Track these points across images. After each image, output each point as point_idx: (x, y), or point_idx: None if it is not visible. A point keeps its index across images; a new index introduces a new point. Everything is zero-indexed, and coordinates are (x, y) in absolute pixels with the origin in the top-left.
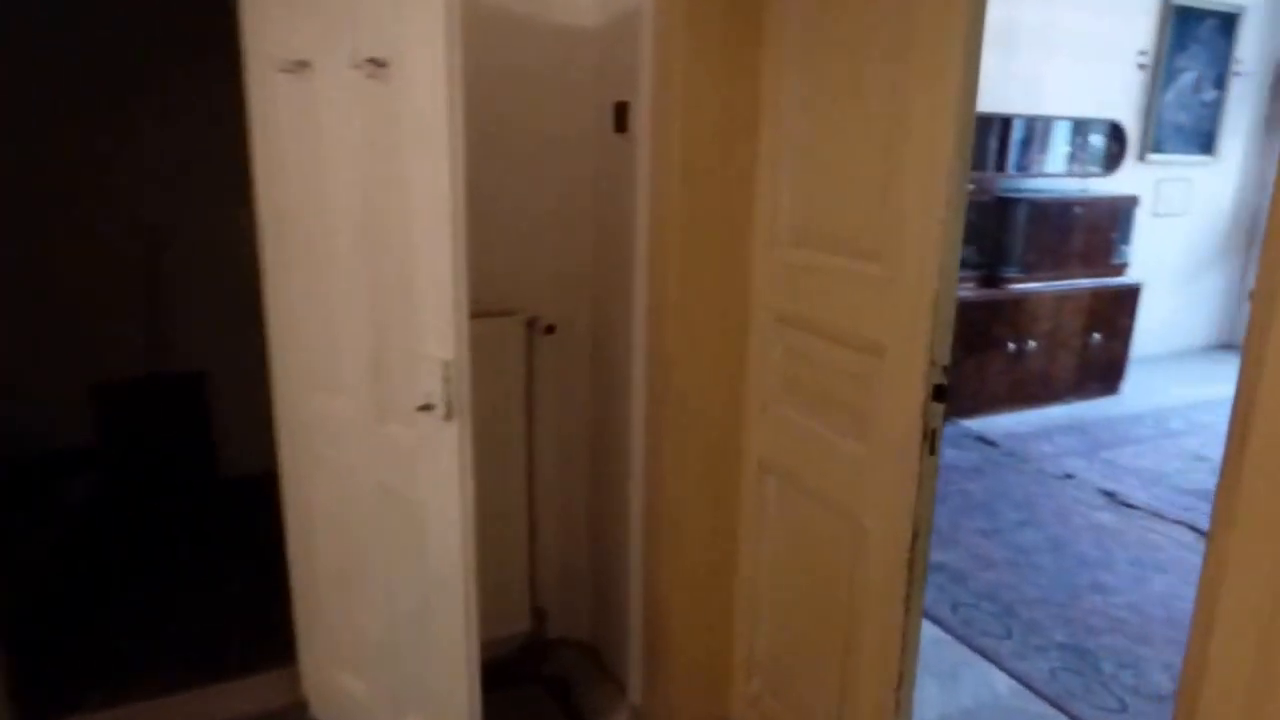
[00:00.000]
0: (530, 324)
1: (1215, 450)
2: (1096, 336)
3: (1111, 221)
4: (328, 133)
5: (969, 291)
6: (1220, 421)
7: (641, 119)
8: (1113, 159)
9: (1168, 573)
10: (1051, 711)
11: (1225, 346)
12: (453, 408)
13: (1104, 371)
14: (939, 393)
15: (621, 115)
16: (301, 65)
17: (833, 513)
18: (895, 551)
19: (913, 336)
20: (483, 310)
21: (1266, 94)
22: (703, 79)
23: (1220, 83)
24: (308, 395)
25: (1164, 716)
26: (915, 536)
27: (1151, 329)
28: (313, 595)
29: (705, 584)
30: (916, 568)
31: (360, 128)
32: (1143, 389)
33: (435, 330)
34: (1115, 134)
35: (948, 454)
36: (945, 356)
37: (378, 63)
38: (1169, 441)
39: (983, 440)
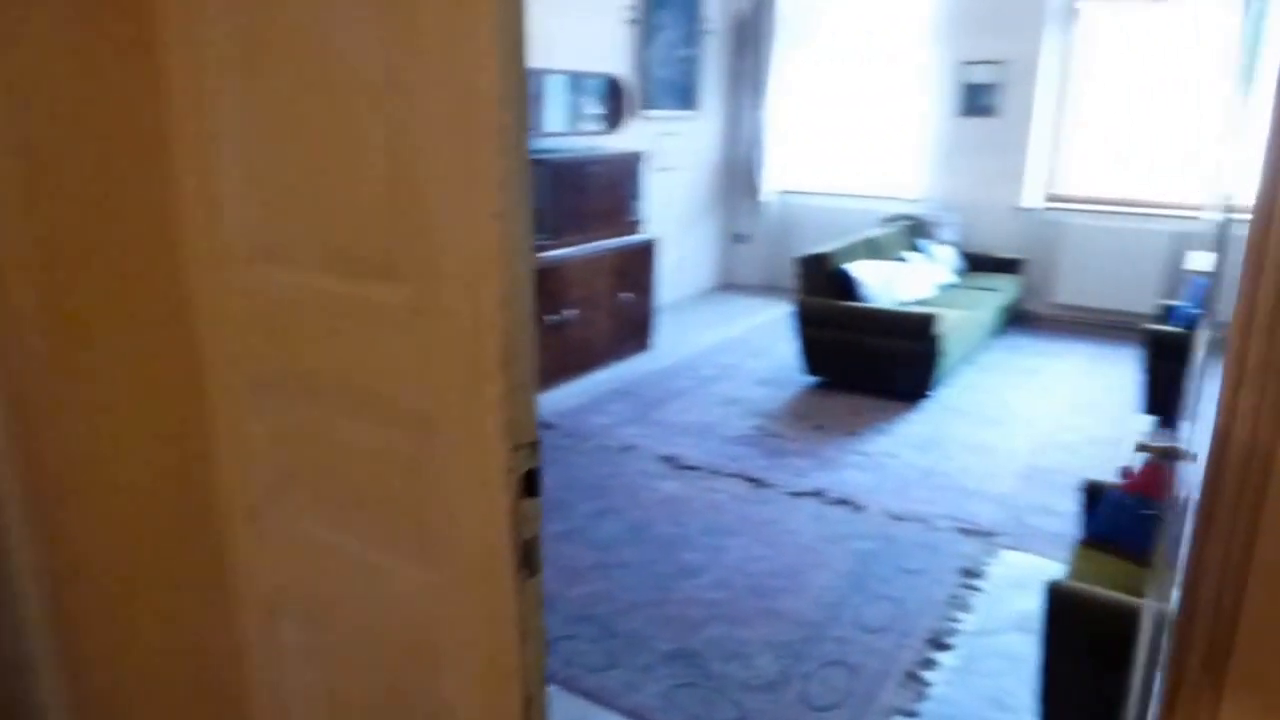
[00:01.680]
0: None
1: (744, 392)
2: (626, 296)
3: (624, 179)
4: None
5: None
6: (739, 362)
7: None
8: (616, 116)
9: (738, 534)
10: None
11: (725, 287)
12: None
13: (636, 330)
14: (531, 484)
15: None
16: None
17: (395, 675)
18: None
19: (473, 400)
20: None
21: (731, 50)
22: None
23: (693, 40)
24: None
25: (779, 705)
26: (528, 705)
27: (665, 280)
28: None
29: None
30: None
31: None
32: (670, 341)
33: None
34: (615, 90)
35: None
36: (530, 430)
37: None
38: (704, 390)
39: (540, 424)
